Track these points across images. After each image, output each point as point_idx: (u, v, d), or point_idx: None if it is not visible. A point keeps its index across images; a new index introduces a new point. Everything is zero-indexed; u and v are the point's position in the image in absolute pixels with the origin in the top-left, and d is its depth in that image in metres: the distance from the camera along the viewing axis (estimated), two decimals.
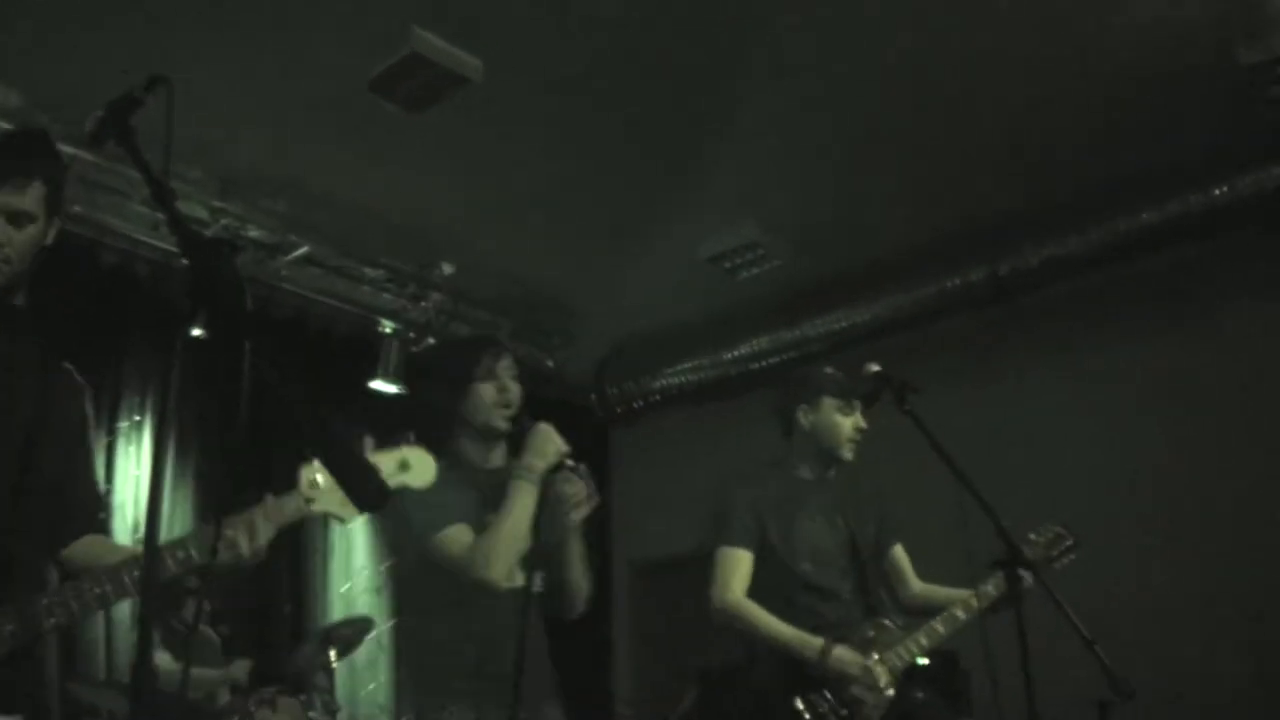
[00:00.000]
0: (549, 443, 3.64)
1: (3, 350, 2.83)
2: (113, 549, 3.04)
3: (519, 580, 3.63)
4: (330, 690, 6.23)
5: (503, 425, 3.77)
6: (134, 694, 2.03)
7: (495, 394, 3.79)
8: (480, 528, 3.60)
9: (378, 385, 8.03)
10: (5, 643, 2.56)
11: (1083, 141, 6.41)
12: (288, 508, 2.87)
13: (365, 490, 2.70)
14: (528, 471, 3.61)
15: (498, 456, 3.88)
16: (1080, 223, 6.92)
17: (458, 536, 3.60)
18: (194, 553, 2.74)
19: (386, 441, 3.07)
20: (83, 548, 2.97)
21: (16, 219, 2.77)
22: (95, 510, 3.13)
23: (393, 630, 8.03)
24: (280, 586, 7.62)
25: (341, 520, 2.94)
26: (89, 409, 3.07)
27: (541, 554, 3.61)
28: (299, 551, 7.88)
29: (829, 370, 4.78)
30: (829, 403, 4.62)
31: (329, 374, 8.05)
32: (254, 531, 2.82)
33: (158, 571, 1.93)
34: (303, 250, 7.27)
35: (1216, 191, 6.48)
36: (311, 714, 5.67)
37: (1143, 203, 6.70)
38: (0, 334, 2.83)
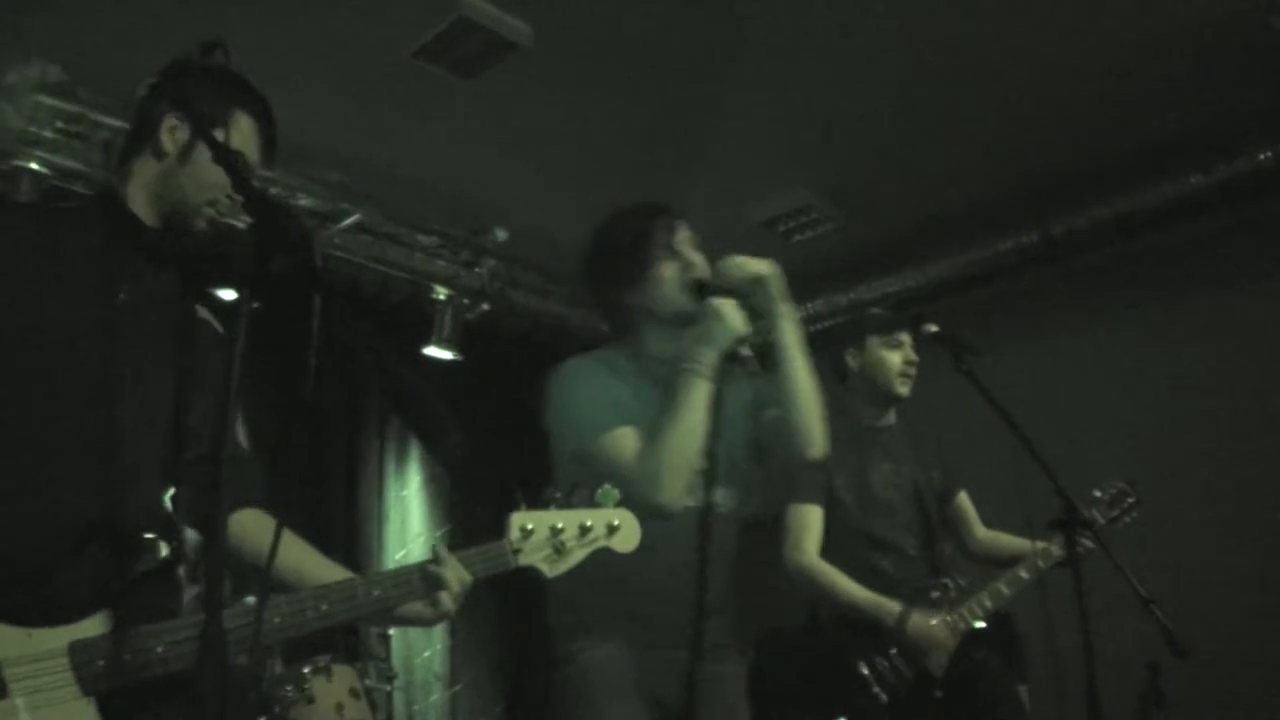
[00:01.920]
0: (723, 325, 3.15)
1: (148, 283, 2.70)
2: (292, 543, 2.80)
3: (691, 499, 3.14)
4: (386, 657, 6.24)
5: (690, 306, 3.25)
6: (202, 660, 1.97)
7: (678, 272, 3.33)
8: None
9: (432, 352, 8.04)
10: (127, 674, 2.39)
11: (1134, 102, 6.33)
12: (496, 557, 2.74)
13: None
14: (696, 362, 3.14)
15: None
16: (1132, 183, 6.86)
17: (625, 442, 3.16)
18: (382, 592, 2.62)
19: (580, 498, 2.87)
20: (242, 521, 2.79)
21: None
22: (254, 478, 2.91)
23: None
24: (336, 553, 7.59)
25: (544, 575, 2.78)
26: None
27: (722, 463, 3.07)
28: (355, 518, 7.91)
29: (871, 310, 4.77)
30: (874, 340, 4.61)
31: (383, 341, 8.07)
32: (460, 583, 2.66)
33: (222, 548, 1.88)
34: (354, 218, 7.25)
35: (1262, 156, 6.42)
36: (367, 681, 5.66)
37: (1192, 165, 6.63)
38: (146, 263, 2.71)
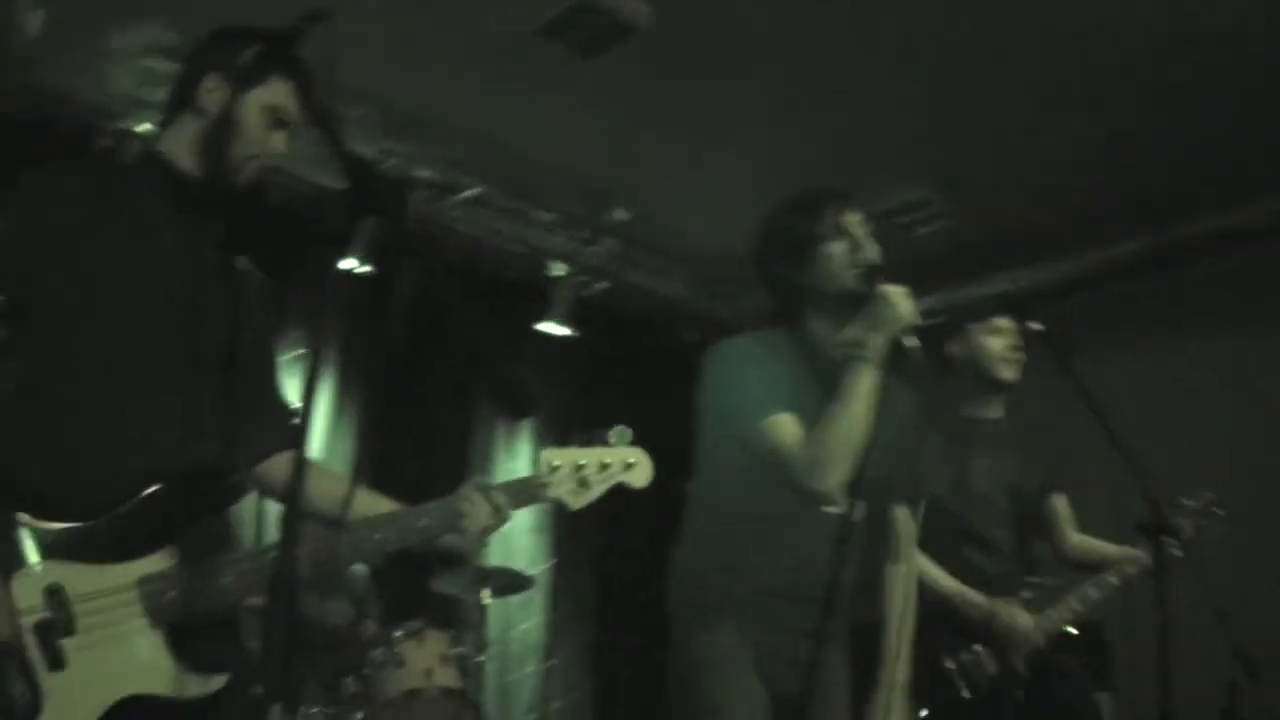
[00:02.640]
0: (895, 311, 3.11)
1: (189, 235, 2.83)
2: (324, 475, 2.98)
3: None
4: (481, 627, 6.30)
5: (857, 286, 3.21)
6: (269, 626, 2.04)
7: (848, 254, 3.28)
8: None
9: (547, 328, 8.10)
10: (195, 604, 2.54)
11: (1247, 114, 6.21)
12: (527, 490, 2.98)
13: (525, 412, 2.82)
14: (865, 349, 3.12)
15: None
16: (1246, 196, 6.74)
17: (787, 428, 3.14)
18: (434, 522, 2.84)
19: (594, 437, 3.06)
20: (279, 466, 2.93)
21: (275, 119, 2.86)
22: (288, 421, 3.04)
23: (551, 570, 8.13)
24: None
25: (569, 506, 3.01)
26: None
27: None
28: (457, 484, 7.93)
29: (969, 299, 4.73)
30: (974, 327, 4.55)
31: (500, 316, 8.15)
32: (497, 515, 2.89)
33: (300, 496, 1.94)
34: (473, 191, 7.31)
35: None
36: (460, 649, 5.67)
37: None
38: (188, 218, 2.84)
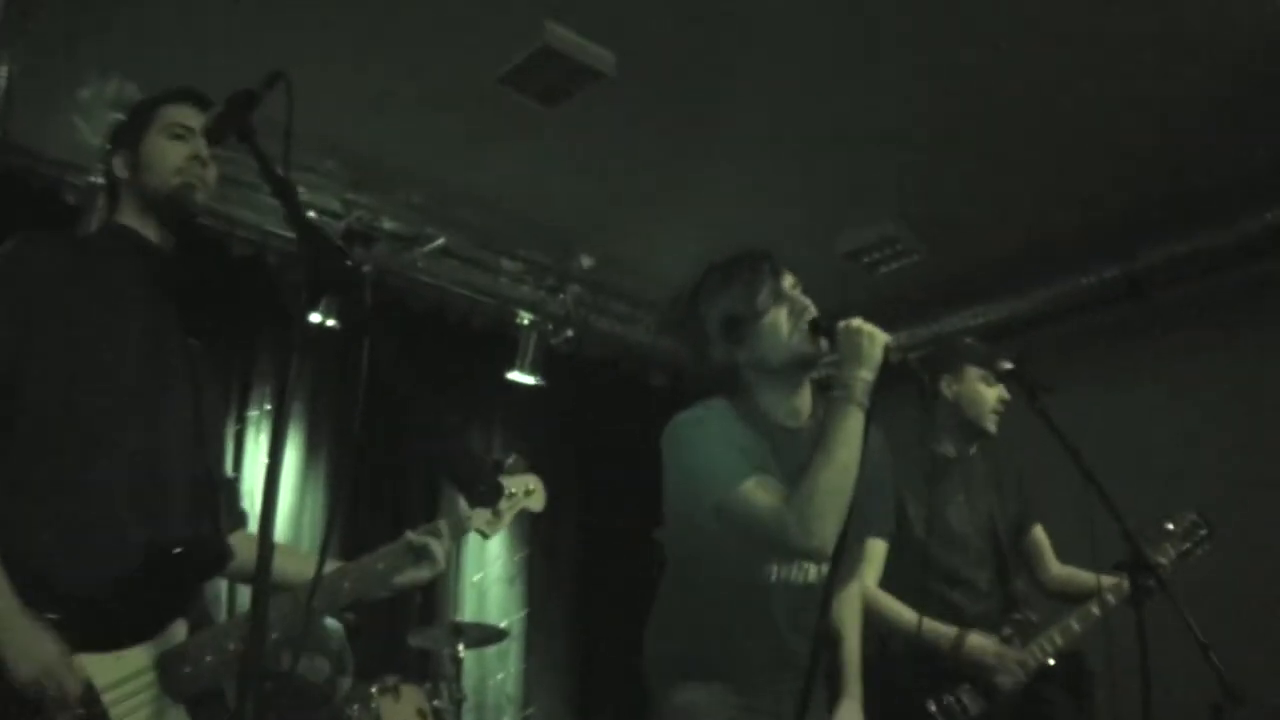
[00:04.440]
0: (874, 341, 2.94)
1: (154, 308, 2.88)
2: (282, 552, 2.99)
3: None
4: (457, 679, 6.26)
5: (809, 349, 3.08)
6: (243, 682, 2.06)
7: (790, 320, 3.12)
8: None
9: (515, 377, 8.09)
10: (207, 676, 2.60)
11: (1217, 136, 6.25)
12: (456, 525, 3.15)
13: (477, 487, 2.91)
14: (851, 387, 2.92)
15: (803, 406, 3.24)
16: (1217, 219, 6.76)
17: (765, 489, 2.97)
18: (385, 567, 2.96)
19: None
20: (238, 542, 2.95)
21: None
22: (239, 499, 3.18)
23: (524, 620, 8.10)
24: None
25: (485, 536, 3.29)
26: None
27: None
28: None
29: (970, 340, 4.70)
30: (973, 372, 4.51)
31: (465, 366, 8.16)
32: (441, 546, 3.02)
33: (269, 556, 1.94)
34: (439, 242, 7.31)
35: None
36: (437, 703, 5.62)
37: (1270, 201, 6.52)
38: (151, 286, 2.90)
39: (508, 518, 3.30)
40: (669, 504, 3.31)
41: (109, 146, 3.04)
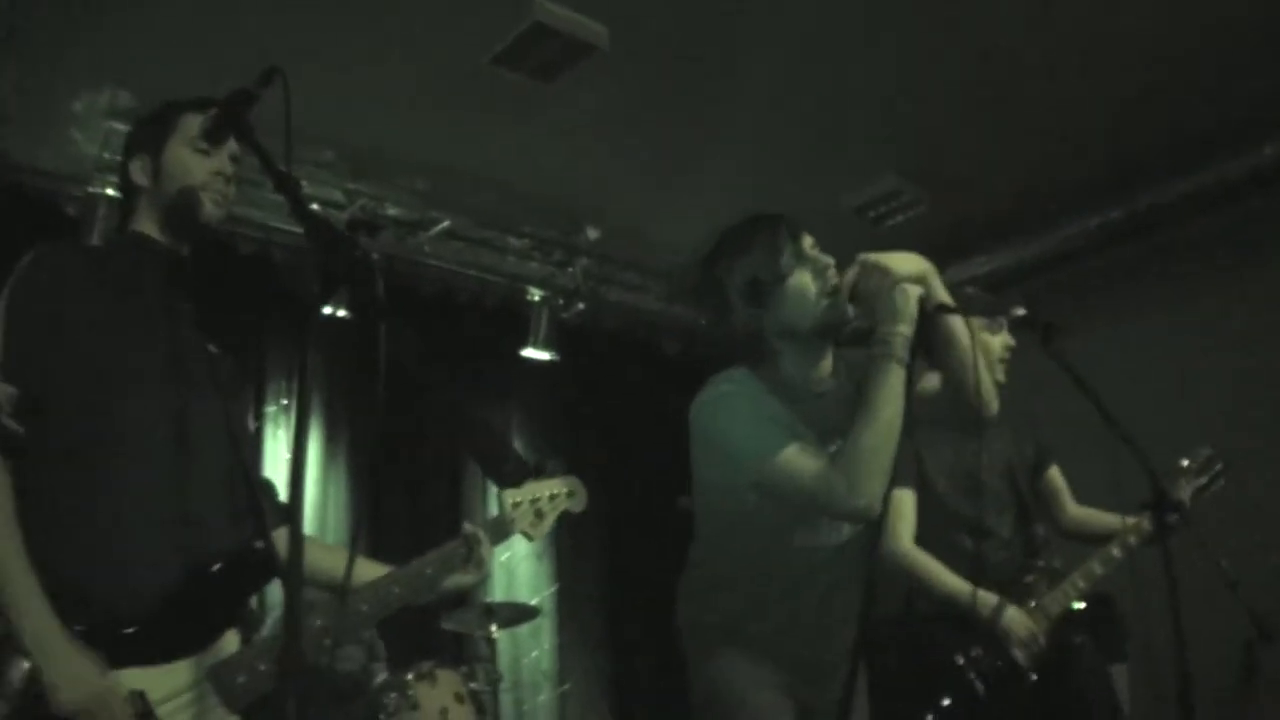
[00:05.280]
0: (908, 297, 2.88)
1: (180, 337, 2.87)
2: (322, 549, 3.14)
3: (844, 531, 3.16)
4: (492, 659, 6.28)
5: (837, 317, 3.02)
6: (283, 673, 2.07)
7: (816, 281, 3.05)
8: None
9: (530, 353, 8.10)
10: (263, 684, 2.61)
11: (1218, 73, 6.22)
12: (500, 527, 3.24)
13: (503, 468, 2.93)
14: (891, 343, 2.87)
15: (824, 372, 3.20)
16: (1219, 155, 6.75)
17: (803, 455, 2.92)
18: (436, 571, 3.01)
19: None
20: (280, 543, 2.94)
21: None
22: (277, 498, 3.14)
23: (554, 596, 8.12)
24: None
25: (530, 538, 3.38)
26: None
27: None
28: (456, 519, 7.92)
29: (971, 290, 4.66)
30: (975, 323, 4.48)
31: (479, 346, 8.16)
32: (489, 549, 3.12)
33: (301, 551, 1.94)
34: (444, 225, 7.33)
35: None
36: (473, 685, 5.63)
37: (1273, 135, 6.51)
38: (170, 294, 2.91)
39: (551, 519, 3.39)
40: (701, 479, 3.31)
41: (126, 151, 2.99)
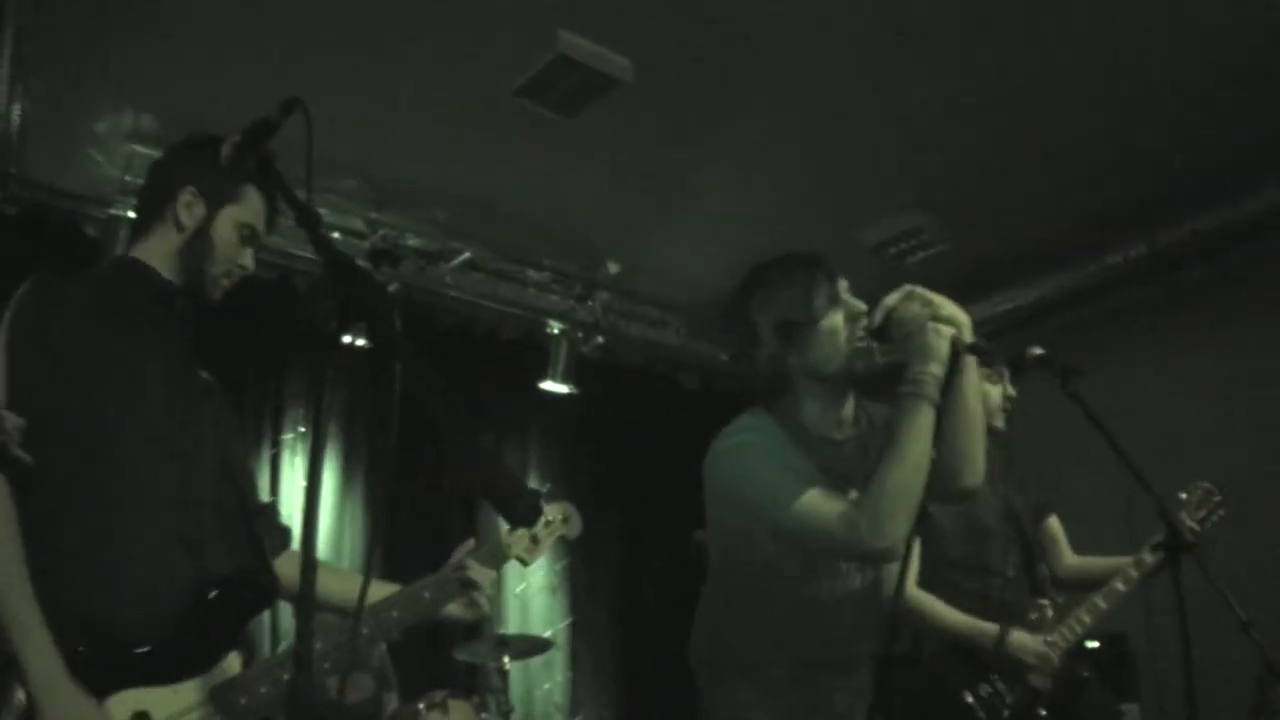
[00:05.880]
0: (940, 336, 2.85)
1: (176, 364, 2.88)
2: (332, 574, 3.12)
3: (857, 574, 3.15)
4: (504, 690, 6.26)
5: (865, 362, 3.00)
6: (293, 711, 2.08)
7: (848, 325, 3.04)
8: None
9: (548, 386, 8.11)
10: (263, 707, 2.63)
11: (1238, 111, 6.20)
12: (496, 553, 3.24)
13: (517, 506, 2.96)
14: (923, 383, 2.83)
15: (846, 419, 3.17)
16: (1238, 193, 6.75)
17: (822, 500, 2.87)
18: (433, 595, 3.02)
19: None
20: (287, 565, 3.00)
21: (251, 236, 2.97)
22: (279, 520, 3.20)
23: (568, 629, 8.10)
24: None
25: (525, 563, 3.40)
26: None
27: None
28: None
29: (975, 339, 4.67)
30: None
31: (498, 378, 8.17)
32: (489, 580, 3.13)
33: (312, 581, 1.94)
34: (464, 256, 7.35)
35: None
36: (484, 716, 5.62)
37: None
38: (173, 348, 2.90)
39: (546, 544, 3.42)
40: (717, 527, 3.27)
41: (183, 178, 2.93)
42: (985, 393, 4.42)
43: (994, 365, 4.47)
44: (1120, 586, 4.33)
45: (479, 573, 3.08)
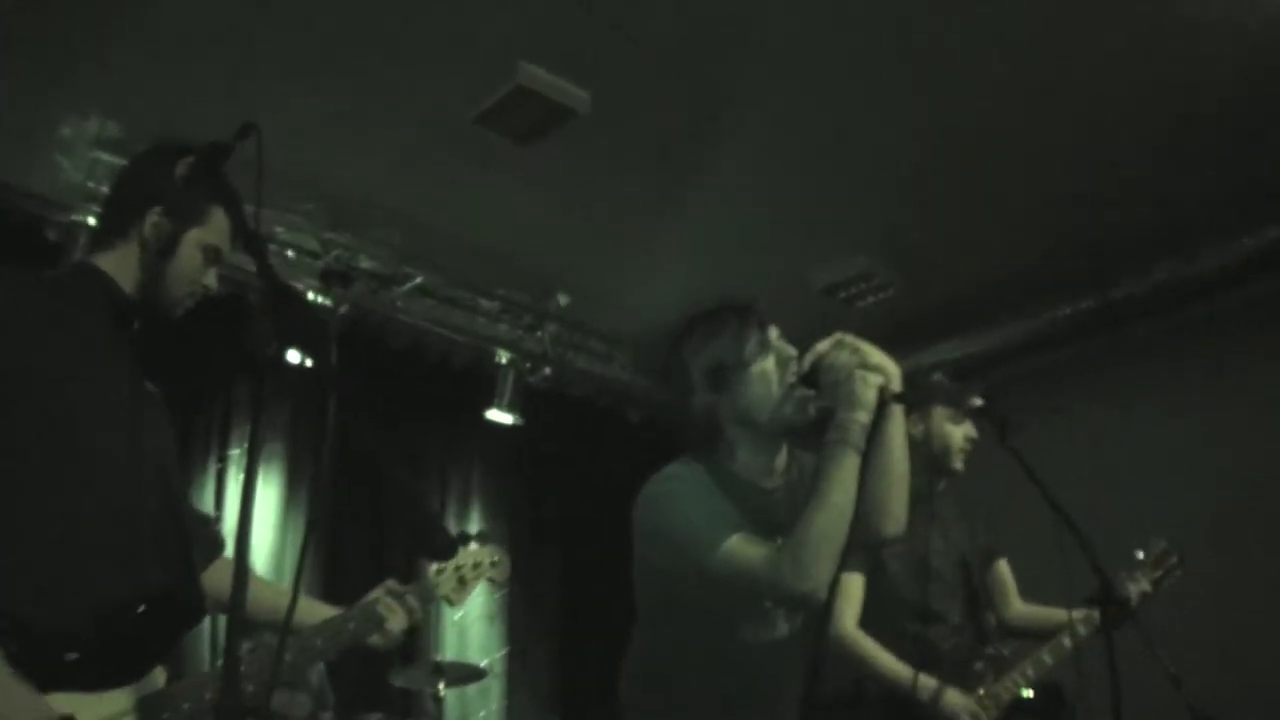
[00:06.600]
0: (867, 384, 2.85)
1: (122, 374, 2.85)
2: (266, 587, 3.19)
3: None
4: (438, 716, 6.24)
5: (797, 411, 3.00)
6: (219, 716, 2.08)
7: (779, 371, 3.03)
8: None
9: (494, 415, 8.10)
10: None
11: (1194, 166, 6.30)
12: (423, 591, 3.31)
13: (434, 543, 3.02)
14: (848, 429, 2.83)
15: (777, 468, 3.18)
16: (1194, 246, 6.84)
17: (749, 544, 2.85)
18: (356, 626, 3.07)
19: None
20: (217, 574, 3.06)
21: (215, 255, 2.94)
22: (211, 529, 3.22)
23: (505, 658, 8.07)
24: None
25: (452, 604, 3.45)
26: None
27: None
28: (415, 568, 7.91)
29: (938, 377, 4.67)
30: (939, 412, 4.50)
31: (445, 404, 8.16)
32: (410, 614, 3.19)
33: (244, 594, 1.94)
34: (416, 281, 7.35)
35: None
36: None
37: (1251, 227, 6.59)
38: (120, 358, 2.87)
39: (473, 586, 3.49)
40: (644, 570, 3.25)
41: (151, 194, 2.86)
42: (946, 434, 4.45)
43: (952, 405, 4.46)
44: (1067, 643, 4.31)
45: (405, 605, 3.16)
